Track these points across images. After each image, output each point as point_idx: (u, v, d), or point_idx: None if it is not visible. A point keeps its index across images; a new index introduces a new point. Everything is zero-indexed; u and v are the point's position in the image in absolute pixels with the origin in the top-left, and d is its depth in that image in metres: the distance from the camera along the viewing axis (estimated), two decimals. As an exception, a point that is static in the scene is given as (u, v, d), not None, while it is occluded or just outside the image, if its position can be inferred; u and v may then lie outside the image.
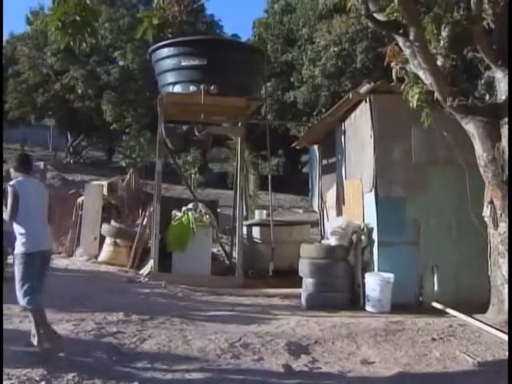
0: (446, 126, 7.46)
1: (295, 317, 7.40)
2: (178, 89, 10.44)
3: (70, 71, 27.62)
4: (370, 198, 8.31)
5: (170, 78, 10.56)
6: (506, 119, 6.81)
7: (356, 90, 8.66)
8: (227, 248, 12.28)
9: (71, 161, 31.26)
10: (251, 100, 10.67)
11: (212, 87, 10.01)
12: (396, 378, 5.08)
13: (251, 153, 18.36)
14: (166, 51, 10.53)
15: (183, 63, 10.26)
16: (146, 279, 9.87)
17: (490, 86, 7.72)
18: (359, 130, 8.91)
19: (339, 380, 5.00)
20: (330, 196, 11.11)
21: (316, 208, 13.08)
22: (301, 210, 22.06)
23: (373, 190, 8.16)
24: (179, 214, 10.52)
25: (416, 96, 7.30)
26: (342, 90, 21.14)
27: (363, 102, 8.62)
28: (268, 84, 21.32)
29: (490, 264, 7.06)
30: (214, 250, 11.92)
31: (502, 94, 7.01)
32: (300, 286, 8.50)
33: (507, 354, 5.66)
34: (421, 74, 7.02)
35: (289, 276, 9.62)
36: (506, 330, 6.30)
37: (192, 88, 10.16)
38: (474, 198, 7.21)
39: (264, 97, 13.53)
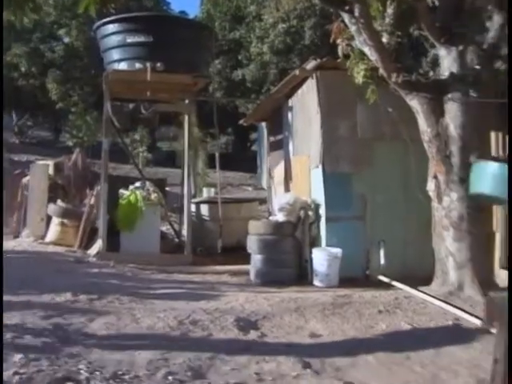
0: (391, 102, 7.56)
1: (244, 293, 7.44)
2: (123, 66, 10.26)
3: (13, 48, 26.87)
4: (317, 174, 8.38)
5: (116, 55, 10.36)
6: (450, 95, 6.94)
7: (302, 66, 8.68)
8: (176, 226, 12.25)
9: (17, 141, 30.52)
10: (198, 77, 10.57)
11: (158, 64, 9.88)
12: (343, 348, 5.17)
13: (200, 131, 18.27)
14: (110, 28, 10.31)
15: (128, 40, 10.08)
16: (94, 259, 9.75)
17: (436, 63, 7.85)
18: (306, 107, 8.96)
19: (287, 353, 5.05)
20: (278, 172, 11.18)
21: (265, 185, 13.15)
22: (250, 188, 22.09)
23: (320, 166, 8.23)
24: (127, 193, 10.41)
25: (361, 72, 7.37)
26: (290, 66, 21.13)
27: (310, 79, 8.65)
28: (216, 62, 21.19)
29: (434, 237, 7.23)
30: (163, 229, 11.87)
31: (445, 71, 7.12)
32: (248, 263, 8.55)
33: (450, 323, 5.86)
34: (366, 50, 7.07)
35: (237, 253, 9.68)
36: (450, 301, 6.50)
37: (138, 65, 10.01)
38: (419, 173, 7.35)
39: (212, 74, 13.44)
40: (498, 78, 7.14)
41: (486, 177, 6.16)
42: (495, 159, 6.43)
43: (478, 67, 6.90)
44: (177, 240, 11.85)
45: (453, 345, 5.34)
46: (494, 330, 3.01)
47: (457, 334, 5.61)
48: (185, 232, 10.69)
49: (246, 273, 8.67)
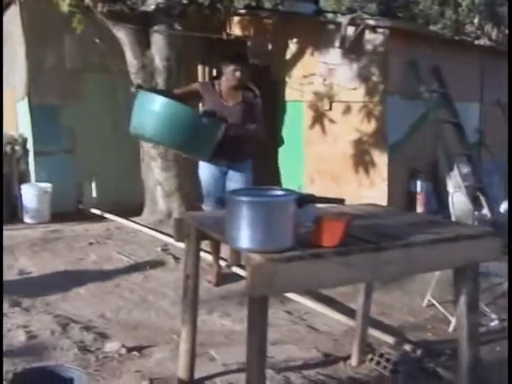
0: (100, 33, 7.41)
1: None
2: None
3: None
4: (23, 107, 7.94)
5: None
6: (156, 27, 7.01)
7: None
8: None
9: None
10: None
11: None
12: (54, 283, 5.12)
13: None
14: None
15: None
16: None
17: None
18: (10, 36, 8.35)
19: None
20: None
21: None
22: None
23: (25, 98, 7.80)
24: None
25: (67, 0, 7.06)
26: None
27: (13, 5, 8.05)
28: None
29: (143, 168, 7.40)
30: None
31: (152, 4, 7.14)
32: None
33: (159, 249, 6.12)
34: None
35: None
36: (159, 229, 6.77)
37: None
38: (129, 105, 7.36)
39: None
40: (203, 13, 7.41)
41: (147, 115, 4.46)
42: (161, 92, 4.94)
43: (184, 1, 7.04)
44: None
45: (160, 269, 5.62)
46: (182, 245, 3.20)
47: (164, 259, 5.89)
48: None
49: None
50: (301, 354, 3.84)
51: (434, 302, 4.88)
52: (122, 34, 7.06)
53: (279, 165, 8.00)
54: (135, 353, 3.73)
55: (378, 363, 3.69)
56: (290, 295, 4.80)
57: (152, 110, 4.40)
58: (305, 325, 4.42)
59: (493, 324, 4.62)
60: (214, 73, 8.36)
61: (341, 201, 2.61)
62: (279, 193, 2.40)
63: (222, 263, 5.40)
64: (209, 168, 5.04)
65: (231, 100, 4.98)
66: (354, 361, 3.72)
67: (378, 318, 4.62)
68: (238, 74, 4.88)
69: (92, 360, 3.59)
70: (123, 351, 3.72)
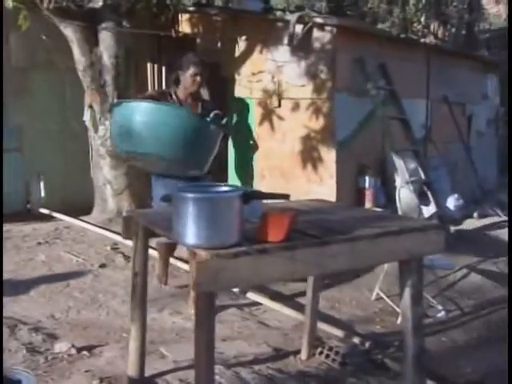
0: (46, 30, 7.29)
1: None
2: None
3: None
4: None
5: None
6: (104, 25, 6.95)
7: None
8: None
9: None
10: None
11: None
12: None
13: None
14: None
15: None
16: None
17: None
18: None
19: None
20: None
21: None
22: None
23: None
24: None
25: (12, -4, 6.93)
26: None
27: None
28: None
29: (92, 166, 7.33)
30: None
31: (99, 0, 7.07)
32: None
33: (109, 248, 6.07)
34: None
35: None
36: (109, 227, 6.72)
37: None
38: (77, 102, 7.30)
39: None
40: (152, 10, 7.37)
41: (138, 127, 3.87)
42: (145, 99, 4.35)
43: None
44: None
45: (110, 268, 5.59)
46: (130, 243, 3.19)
47: (114, 258, 5.85)
48: None
49: None
50: (251, 349, 3.86)
51: (383, 295, 4.98)
52: (69, 31, 6.97)
53: (229, 161, 8.02)
54: (85, 352, 3.69)
55: (328, 356, 3.75)
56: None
57: (144, 121, 3.82)
58: (255, 320, 4.46)
59: (439, 315, 4.74)
60: (163, 70, 8.35)
61: (286, 196, 2.64)
62: (225, 189, 2.42)
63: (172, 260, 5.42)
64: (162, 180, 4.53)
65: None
66: (303, 355, 3.77)
67: (328, 312, 4.70)
68: (198, 78, 4.51)
69: (41, 361, 3.54)
70: (73, 351, 3.68)
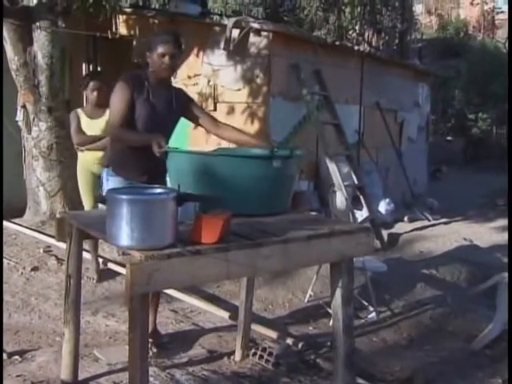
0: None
1: None
2: None
3: None
4: None
5: None
6: (39, 23, 6.81)
7: None
8: None
9: None
10: None
11: None
12: None
13: None
14: None
15: None
16: None
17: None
18: None
19: None
20: None
21: None
22: None
23: None
24: None
25: None
26: None
27: None
28: None
29: (25, 168, 7.18)
30: None
31: (34, -2, 6.95)
32: None
33: (41, 251, 5.96)
34: None
35: None
36: (42, 230, 6.59)
37: None
38: (8, 102, 7.13)
39: None
40: (88, 10, 7.27)
41: None
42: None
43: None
44: None
45: (43, 271, 5.50)
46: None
47: (47, 261, 5.75)
48: None
49: None
50: (186, 351, 3.89)
51: (315, 297, 5.09)
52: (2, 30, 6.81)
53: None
54: (17, 357, 3.64)
55: (261, 357, 3.80)
56: (175, 294, 4.84)
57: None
58: (190, 323, 4.48)
59: (370, 316, 4.87)
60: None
61: (219, 199, 2.69)
62: (158, 191, 2.44)
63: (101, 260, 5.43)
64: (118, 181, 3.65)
65: None
66: (237, 356, 3.82)
67: (262, 314, 4.77)
68: (167, 60, 3.47)
69: (-30, 367, 3.47)
70: (4, 356, 3.62)
